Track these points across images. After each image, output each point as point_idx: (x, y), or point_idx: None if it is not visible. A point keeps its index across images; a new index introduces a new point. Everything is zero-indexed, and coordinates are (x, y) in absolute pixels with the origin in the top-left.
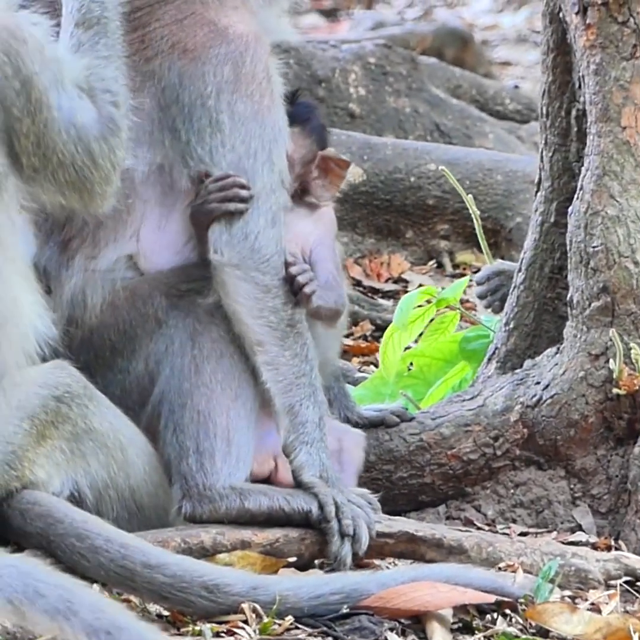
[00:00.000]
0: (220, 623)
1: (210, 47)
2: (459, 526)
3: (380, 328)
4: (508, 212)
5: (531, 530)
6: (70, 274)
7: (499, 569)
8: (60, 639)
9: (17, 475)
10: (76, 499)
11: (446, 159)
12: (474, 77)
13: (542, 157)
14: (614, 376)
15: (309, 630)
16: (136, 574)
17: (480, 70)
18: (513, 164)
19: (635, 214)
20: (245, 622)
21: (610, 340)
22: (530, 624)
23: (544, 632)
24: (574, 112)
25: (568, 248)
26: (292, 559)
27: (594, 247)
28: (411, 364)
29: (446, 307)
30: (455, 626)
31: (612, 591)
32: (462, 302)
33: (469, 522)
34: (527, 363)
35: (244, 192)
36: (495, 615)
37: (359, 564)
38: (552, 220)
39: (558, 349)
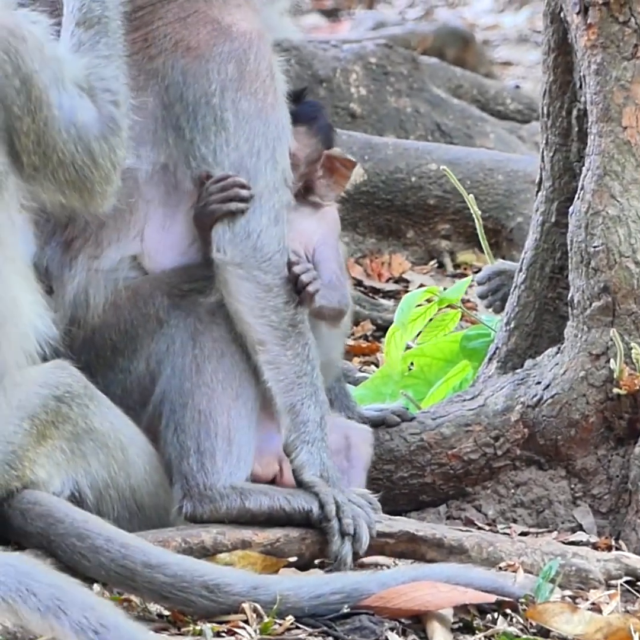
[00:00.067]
0: (220, 623)
1: (214, 45)
2: (459, 526)
3: (381, 328)
4: (509, 212)
5: (532, 530)
6: (73, 274)
7: (500, 568)
8: (55, 637)
9: (18, 475)
10: (77, 499)
11: (447, 159)
12: (475, 77)
13: (543, 157)
14: (615, 376)
15: (310, 630)
16: (137, 573)
17: (482, 70)
18: (514, 164)
19: (636, 213)
20: (246, 621)
21: (611, 340)
22: (530, 623)
23: (544, 632)
24: (575, 112)
25: (569, 248)
26: (293, 559)
27: (594, 247)
28: (412, 363)
29: (447, 306)
30: (456, 626)
31: (612, 591)
32: (463, 301)
33: (469, 522)
34: (528, 363)
35: (244, 192)
36: (495, 615)
37: (359, 563)
38: (553, 220)
39: (559, 348)
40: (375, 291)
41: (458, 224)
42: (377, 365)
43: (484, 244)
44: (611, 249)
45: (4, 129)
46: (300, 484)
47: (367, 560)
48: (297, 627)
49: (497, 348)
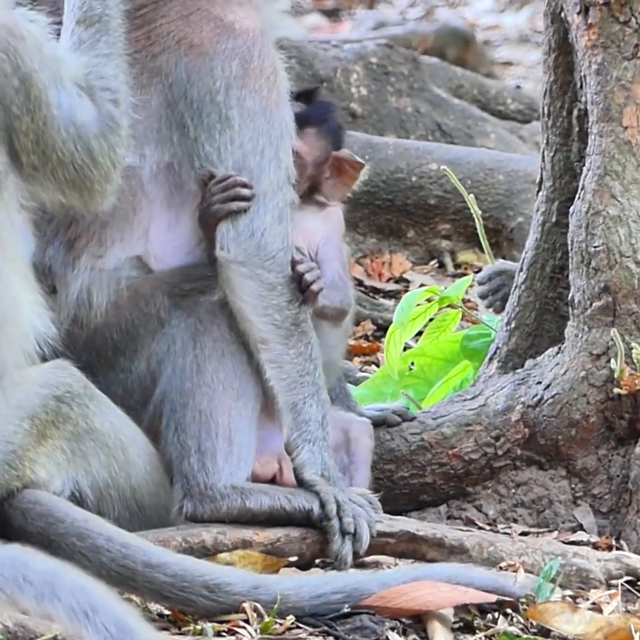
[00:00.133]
0: (221, 622)
1: (217, 42)
2: (460, 526)
3: (382, 328)
4: (509, 211)
5: (532, 529)
6: (76, 274)
7: (500, 568)
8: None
9: (18, 474)
10: (77, 499)
11: (448, 159)
12: (476, 77)
13: (543, 157)
14: (615, 376)
15: (310, 629)
16: (137, 573)
17: (482, 70)
18: (514, 164)
19: (637, 213)
20: (247, 621)
21: (612, 340)
22: (531, 623)
23: (545, 632)
24: (575, 112)
25: (569, 248)
26: (293, 559)
27: (595, 246)
28: (412, 363)
29: (448, 306)
30: (457, 626)
31: (613, 591)
32: (463, 301)
33: (470, 522)
34: (529, 363)
35: (245, 191)
36: (496, 614)
37: (360, 563)
38: (553, 220)
39: (559, 348)
40: (376, 291)
41: (459, 224)
42: (377, 365)
43: (485, 243)
44: (612, 249)
45: (3, 128)
46: (301, 483)
47: (367, 559)
48: (298, 627)
49: (497, 348)
